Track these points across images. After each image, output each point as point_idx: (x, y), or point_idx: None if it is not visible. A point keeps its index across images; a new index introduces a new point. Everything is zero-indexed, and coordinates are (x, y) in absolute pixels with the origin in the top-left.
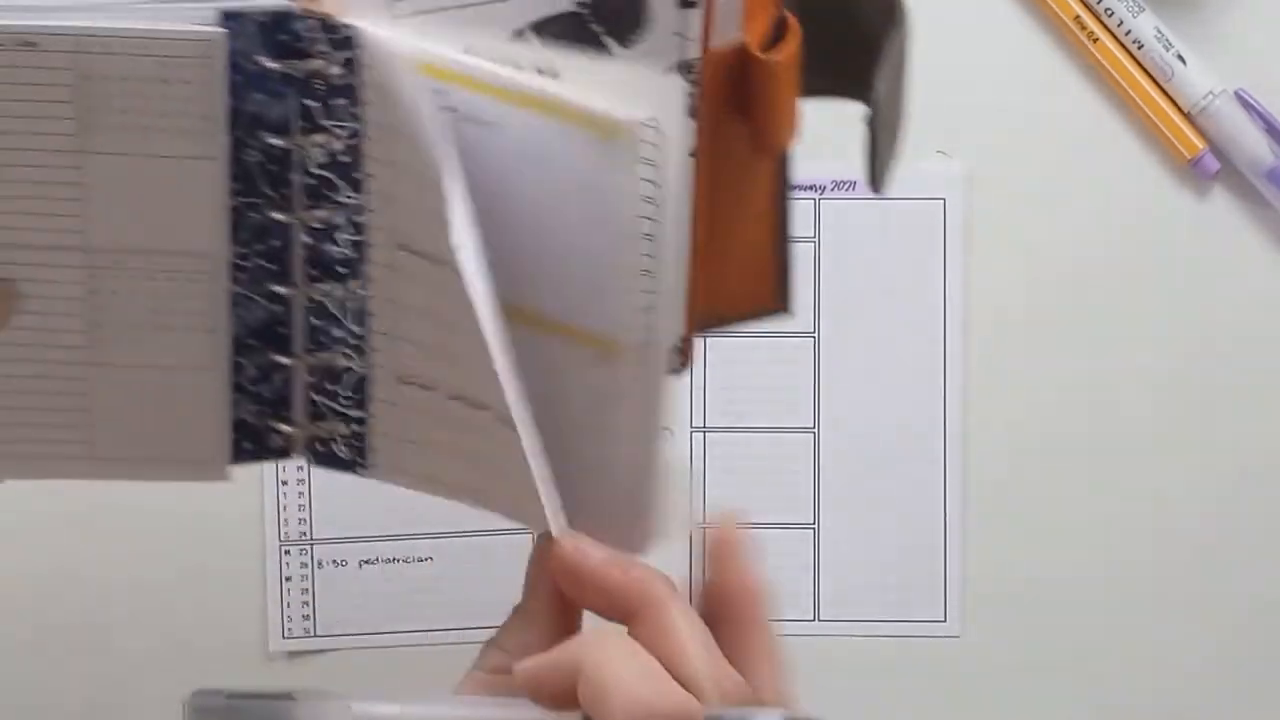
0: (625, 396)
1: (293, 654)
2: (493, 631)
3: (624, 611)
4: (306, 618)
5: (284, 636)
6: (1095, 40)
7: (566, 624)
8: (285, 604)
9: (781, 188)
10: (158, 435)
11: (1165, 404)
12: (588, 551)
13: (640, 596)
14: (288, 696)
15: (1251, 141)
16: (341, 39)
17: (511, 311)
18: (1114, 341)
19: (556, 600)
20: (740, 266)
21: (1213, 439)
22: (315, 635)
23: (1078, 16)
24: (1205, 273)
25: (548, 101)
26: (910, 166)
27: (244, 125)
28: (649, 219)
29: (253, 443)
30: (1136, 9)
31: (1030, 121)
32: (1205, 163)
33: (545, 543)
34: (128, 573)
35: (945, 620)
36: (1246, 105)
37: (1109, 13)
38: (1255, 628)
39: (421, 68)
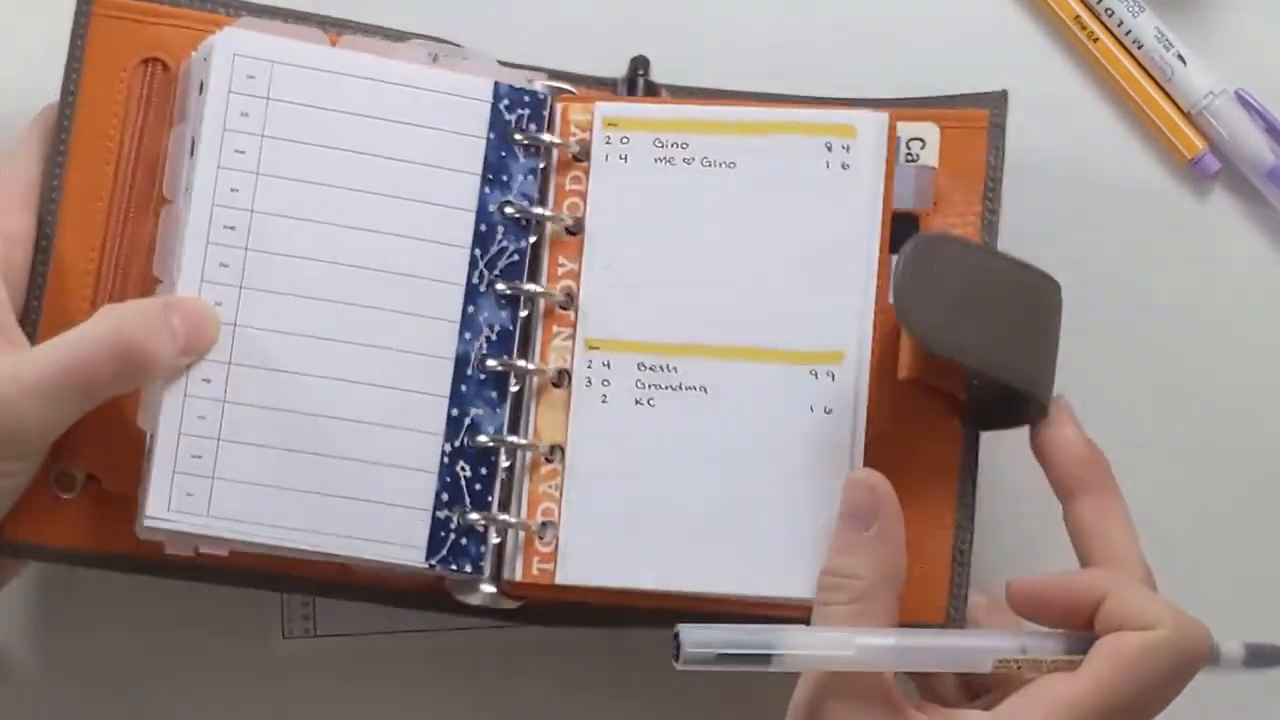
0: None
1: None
2: None
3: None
4: (306, 617)
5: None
6: (1095, 40)
7: (903, 542)
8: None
9: (967, 504)
10: None
11: (1164, 402)
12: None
13: (1097, 478)
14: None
15: (1251, 141)
16: None
17: (738, 352)
18: (1113, 341)
19: (899, 525)
20: (919, 574)
21: (1212, 437)
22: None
23: (1078, 16)
24: (1205, 273)
25: (781, 123)
26: None
27: None
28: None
29: None
30: (1136, 9)
31: (1030, 121)
32: (1205, 163)
33: (876, 476)
34: None
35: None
36: (1246, 105)
37: (1109, 13)
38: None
39: (648, 124)
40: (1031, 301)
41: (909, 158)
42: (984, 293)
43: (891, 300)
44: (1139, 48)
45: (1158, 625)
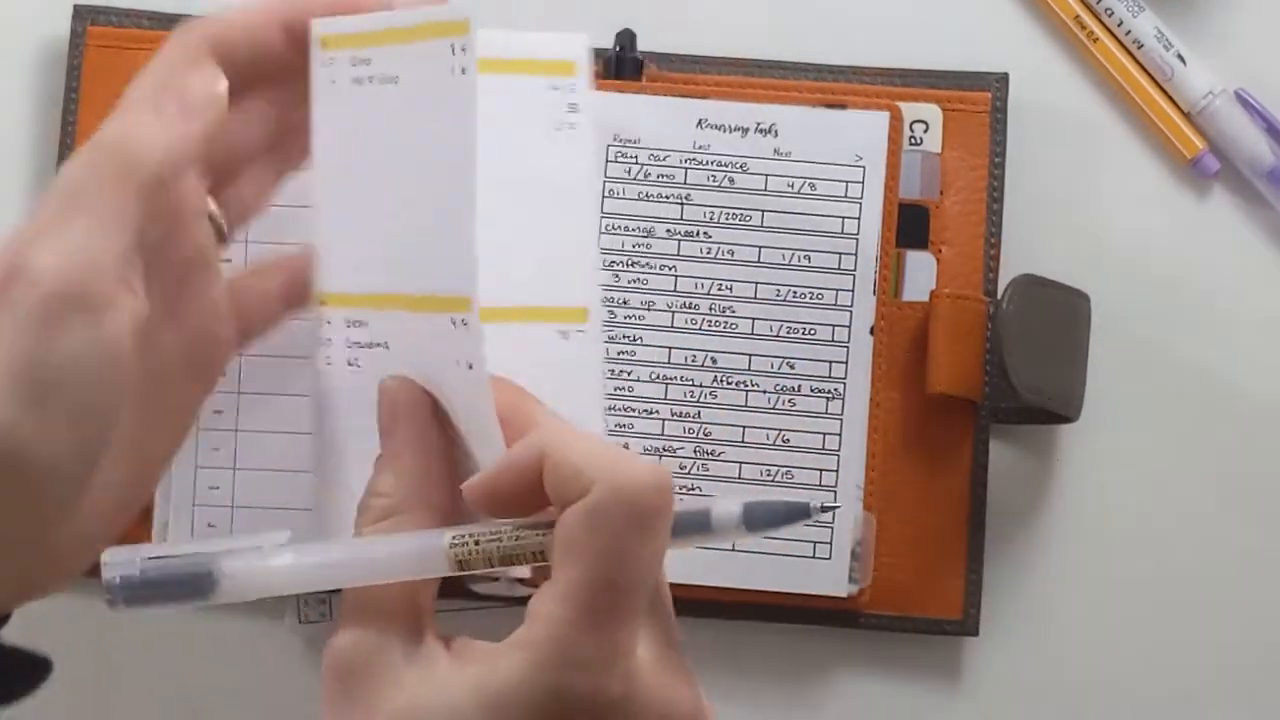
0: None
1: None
2: None
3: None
4: (323, 600)
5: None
6: (1095, 40)
7: (436, 449)
8: None
9: (979, 504)
10: None
11: (1164, 402)
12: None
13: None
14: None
15: (1251, 141)
16: None
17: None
18: (1113, 341)
19: (423, 431)
20: (936, 574)
21: (1212, 437)
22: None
23: (1078, 16)
24: (1205, 273)
25: (415, 26)
26: None
27: None
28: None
29: None
30: (1136, 9)
31: (1029, 121)
32: (1205, 163)
33: (399, 383)
34: None
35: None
36: (1246, 105)
37: (1109, 13)
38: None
39: (354, 39)
40: (1074, 324)
41: (912, 141)
42: (1049, 329)
43: (988, 344)
44: (1139, 48)
45: (591, 486)
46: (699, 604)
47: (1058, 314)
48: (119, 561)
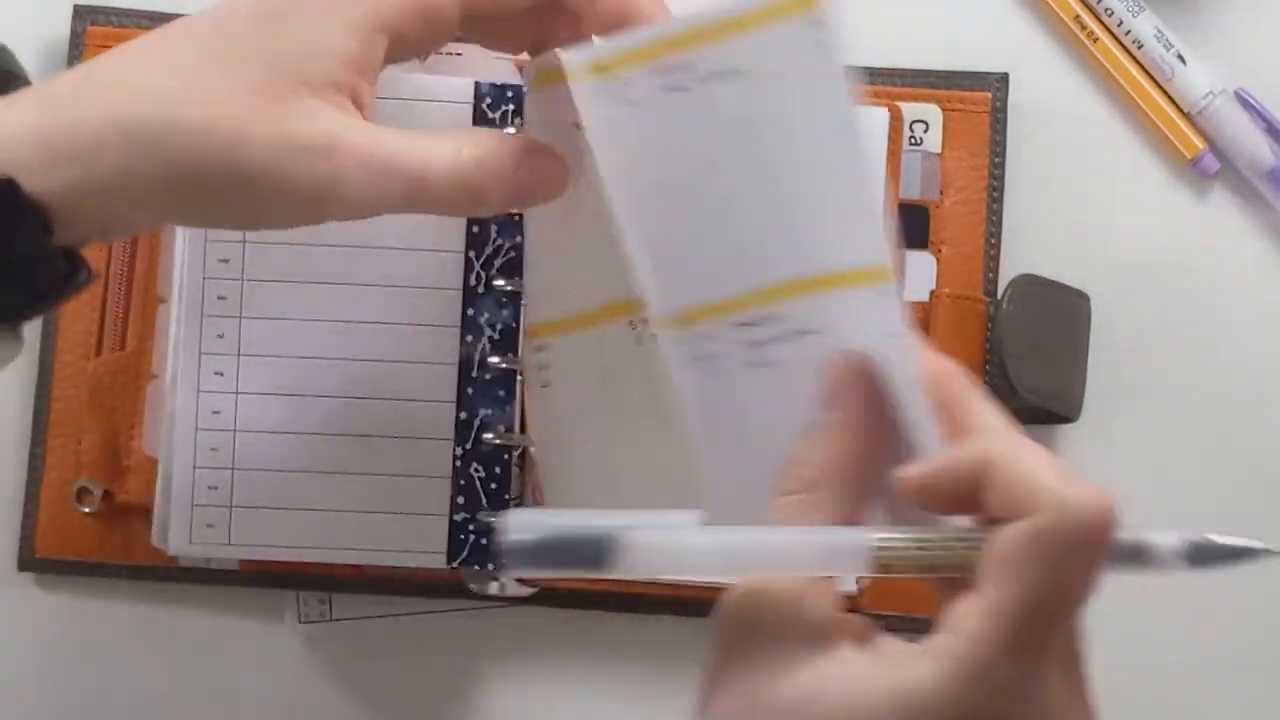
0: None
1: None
2: None
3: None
4: (322, 601)
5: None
6: (1095, 40)
7: (870, 427)
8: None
9: None
10: None
11: (1164, 402)
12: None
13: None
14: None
15: (1251, 141)
16: None
17: (791, 288)
18: (1113, 341)
19: (862, 407)
20: None
21: (1212, 437)
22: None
23: (1078, 16)
24: (1205, 273)
25: (748, 14)
26: None
27: None
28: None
29: None
30: (1136, 9)
31: (1029, 122)
32: (1205, 163)
33: (849, 356)
34: None
35: None
36: (1246, 105)
37: (1109, 12)
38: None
39: (641, 54)
40: (1074, 324)
41: (912, 141)
42: (1049, 329)
43: (988, 345)
44: (1139, 48)
45: (1039, 507)
46: (698, 604)
47: (1058, 314)
48: (522, 525)
